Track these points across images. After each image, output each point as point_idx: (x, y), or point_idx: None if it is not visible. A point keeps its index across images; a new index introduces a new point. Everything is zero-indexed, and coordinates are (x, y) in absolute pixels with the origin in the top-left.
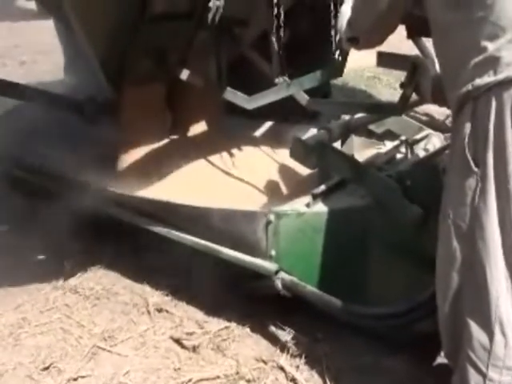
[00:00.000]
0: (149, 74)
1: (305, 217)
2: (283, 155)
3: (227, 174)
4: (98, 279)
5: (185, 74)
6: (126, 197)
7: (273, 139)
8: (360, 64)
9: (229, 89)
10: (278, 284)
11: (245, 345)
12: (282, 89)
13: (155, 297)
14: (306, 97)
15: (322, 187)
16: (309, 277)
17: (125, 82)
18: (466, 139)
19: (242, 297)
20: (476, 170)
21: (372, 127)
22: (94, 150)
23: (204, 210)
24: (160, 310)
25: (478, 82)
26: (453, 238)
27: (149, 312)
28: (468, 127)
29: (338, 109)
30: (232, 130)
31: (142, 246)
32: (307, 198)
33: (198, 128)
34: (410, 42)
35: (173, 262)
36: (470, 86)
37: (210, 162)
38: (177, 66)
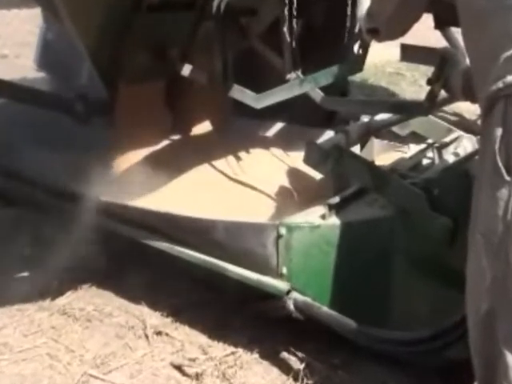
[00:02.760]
0: (146, 70)
1: (320, 230)
2: (296, 160)
3: (233, 180)
4: (90, 298)
5: (186, 70)
6: (121, 207)
7: (284, 142)
8: (381, 58)
9: (235, 86)
10: (290, 305)
11: (253, 373)
12: (295, 86)
13: (154, 318)
14: (322, 95)
15: (339, 197)
16: (324, 297)
17: (119, 79)
18: (497, 144)
19: (251, 319)
20: (508, 179)
21: (395, 129)
22: (85, 153)
23: (207, 222)
24: (159, 333)
25: (510, 78)
26: (483, 254)
27: (146, 335)
28: (499, 130)
29: (357, 108)
30: (239, 131)
31: (138, 261)
32: (322, 209)
33: (201, 129)
34: (438, 33)
35: (173, 279)
36: (500, 84)
37: (214, 166)
38: (177, 61)
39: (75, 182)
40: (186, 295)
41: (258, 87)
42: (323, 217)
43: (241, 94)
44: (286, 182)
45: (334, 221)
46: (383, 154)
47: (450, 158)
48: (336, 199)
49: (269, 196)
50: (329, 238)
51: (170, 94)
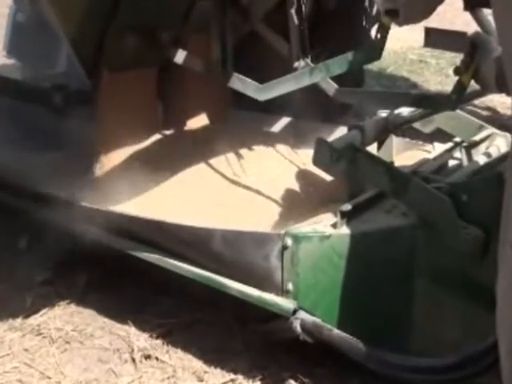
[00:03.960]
0: (134, 55)
1: (331, 240)
2: (304, 160)
3: (233, 182)
4: (68, 317)
5: (180, 57)
6: (104, 213)
7: (291, 139)
8: (402, 44)
9: (235, 75)
10: (297, 326)
11: None
12: (304, 75)
13: (142, 340)
14: (334, 86)
15: (353, 203)
16: (336, 317)
17: (103, 66)
18: None
19: (252, 342)
20: None
21: (417, 125)
22: (63, 151)
23: (202, 231)
24: (148, 357)
25: None
26: None
27: (133, 359)
28: None
29: (374, 101)
30: (239, 126)
31: (124, 275)
32: (334, 217)
33: (197, 123)
34: (467, 15)
35: (164, 295)
36: None
37: (211, 166)
38: (169, 45)
39: (50, 185)
40: (179, 314)
41: (262, 77)
42: (334, 225)
43: (242, 84)
44: (292, 185)
45: (347, 230)
46: (403, 154)
47: (480, 159)
48: (349, 206)
49: (273, 201)
50: (341, 250)
51: (161, 84)
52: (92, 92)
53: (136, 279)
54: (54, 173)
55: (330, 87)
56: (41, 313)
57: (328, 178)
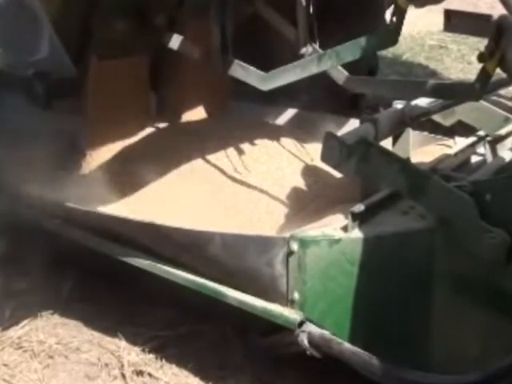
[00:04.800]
0: (124, 41)
1: (341, 245)
2: (312, 155)
3: (234, 180)
4: (52, 329)
5: (175, 42)
6: (92, 215)
7: (297, 133)
8: (420, 28)
9: (236, 62)
10: (304, 340)
11: None
12: (311, 63)
13: (133, 354)
14: (345, 74)
15: (366, 203)
16: (346, 330)
17: (91, 52)
18: None
19: (254, 356)
20: None
21: (437, 118)
22: (46, 146)
23: (200, 235)
24: (139, 373)
25: None
26: None
27: (123, 375)
28: None
29: (389, 91)
30: (241, 119)
31: (114, 282)
32: (344, 219)
33: (194, 115)
34: None
35: (157, 305)
36: None
37: (210, 162)
38: (163, 30)
39: (32, 184)
40: (174, 325)
41: (265, 64)
42: (345, 229)
43: (244, 72)
44: (299, 184)
45: (359, 234)
46: (421, 150)
47: (506, 155)
48: (361, 206)
49: (277, 201)
50: (352, 256)
51: (155, 72)
52: (78, 81)
53: (127, 287)
54: (34, 171)
55: (341, 75)
56: (21, 324)
57: (338, 175)
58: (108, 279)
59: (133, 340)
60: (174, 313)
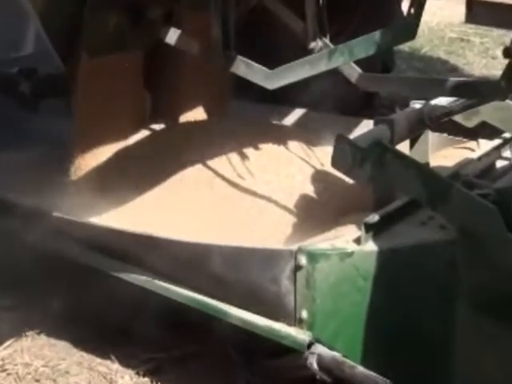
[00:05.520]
0: (117, 35)
1: (354, 258)
2: (322, 160)
3: (236, 187)
4: (38, 350)
5: (172, 37)
6: (80, 226)
7: (306, 136)
8: (440, 19)
9: (239, 58)
10: (313, 362)
11: None
12: (321, 59)
13: (126, 377)
14: (358, 71)
15: (381, 213)
16: (359, 352)
17: (82, 48)
18: None
19: (259, 380)
20: None
21: (459, 118)
22: (32, 150)
23: (198, 248)
24: None
25: None
26: None
27: None
28: None
29: (406, 89)
30: (244, 119)
31: (104, 300)
32: (357, 229)
33: (193, 116)
34: None
35: (152, 324)
36: None
37: (210, 168)
38: (159, 23)
39: (15, 192)
40: (170, 346)
41: (270, 60)
42: (358, 241)
43: (247, 69)
44: (307, 191)
45: (374, 246)
46: (442, 154)
47: None
48: (376, 216)
49: (284, 209)
50: (366, 271)
51: (150, 70)
52: (67, 79)
53: (119, 305)
54: (19, 177)
55: (353, 72)
56: (5, 345)
57: (350, 182)
58: (99, 296)
59: (126, 362)
60: (171, 333)
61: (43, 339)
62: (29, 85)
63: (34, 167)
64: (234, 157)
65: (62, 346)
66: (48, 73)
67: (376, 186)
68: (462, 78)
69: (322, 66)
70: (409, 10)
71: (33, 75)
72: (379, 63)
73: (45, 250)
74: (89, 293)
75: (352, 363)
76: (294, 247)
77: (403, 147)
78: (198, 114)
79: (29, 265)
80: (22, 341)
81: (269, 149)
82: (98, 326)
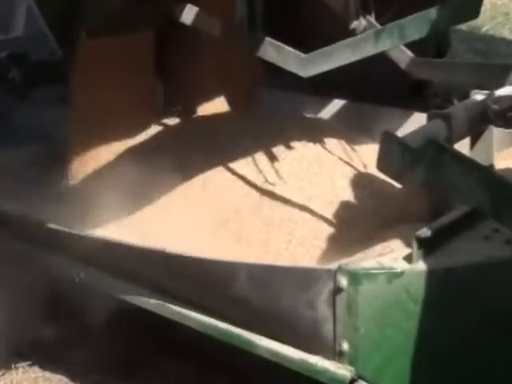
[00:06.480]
0: (123, 14)
1: (404, 279)
2: (364, 160)
3: (263, 193)
4: None
5: (188, 15)
6: (80, 238)
7: (346, 131)
8: None
9: (268, 40)
10: None
11: None
12: (366, 41)
13: None
14: (410, 55)
15: (436, 225)
16: None
17: (81, 28)
18: None
19: None
20: None
21: None
22: (21, 149)
23: (220, 266)
24: None
25: None
26: None
27: None
28: None
29: (465, 77)
30: (274, 112)
31: (109, 326)
32: (407, 245)
33: (213, 109)
34: None
35: (165, 354)
36: None
37: (232, 171)
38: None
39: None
40: (186, 380)
41: (305, 43)
42: (409, 258)
43: (277, 53)
44: (347, 197)
45: (427, 265)
46: (509, 154)
47: None
48: (430, 229)
49: (320, 220)
50: (418, 294)
51: (161, 53)
52: (63, 65)
53: (126, 332)
54: (7, 181)
55: (403, 57)
56: None
57: (399, 188)
58: (102, 321)
59: None
60: (186, 365)
61: (36, 372)
62: (19, 71)
63: (23, 169)
64: (261, 158)
65: (58, 380)
66: (41, 58)
67: (430, 192)
68: None
69: (367, 50)
70: None
71: (24, 60)
72: (432, 45)
73: (39, 267)
74: (90, 317)
75: None
76: (333, 266)
77: (462, 147)
78: (219, 106)
79: (19, 283)
80: (12, 374)
81: (301, 148)
82: (101, 357)
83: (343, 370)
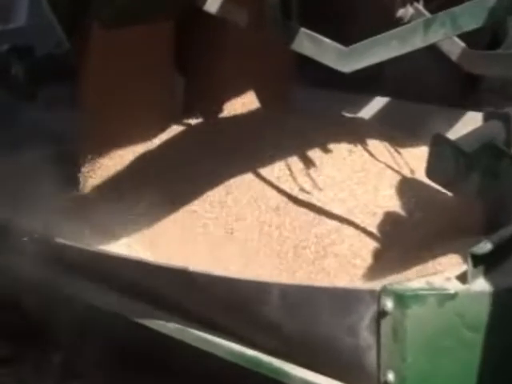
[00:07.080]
0: (139, 3)
1: (458, 302)
2: (412, 164)
3: (297, 203)
4: None
5: (213, 4)
6: (91, 255)
7: (391, 133)
8: None
9: (303, 31)
10: None
11: None
12: (414, 32)
13: None
14: (461, 46)
15: (494, 240)
16: None
17: (91, 19)
18: None
19: None
20: None
21: None
22: (25, 153)
23: (250, 287)
24: None
25: None
26: None
27: None
28: None
29: None
30: (310, 112)
31: (122, 351)
32: (461, 262)
33: (240, 107)
34: None
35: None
36: None
37: (261, 177)
38: None
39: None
40: None
41: (344, 35)
42: (463, 278)
43: (314, 46)
44: (393, 209)
45: (485, 286)
46: None
47: None
48: (488, 245)
49: (362, 233)
50: (474, 318)
51: (182, 46)
52: (72, 60)
53: (141, 358)
54: (8, 189)
55: (455, 48)
56: None
57: (450, 196)
58: (114, 348)
59: None
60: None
61: None
62: (22, 67)
63: (27, 176)
64: (296, 164)
65: None
66: (47, 51)
67: (487, 202)
68: None
69: (416, 42)
70: None
71: (28, 54)
72: (486, 34)
73: (46, 287)
74: (101, 343)
75: None
76: (377, 287)
77: None
78: (247, 105)
79: (25, 306)
80: None
81: (341, 151)
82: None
83: None
